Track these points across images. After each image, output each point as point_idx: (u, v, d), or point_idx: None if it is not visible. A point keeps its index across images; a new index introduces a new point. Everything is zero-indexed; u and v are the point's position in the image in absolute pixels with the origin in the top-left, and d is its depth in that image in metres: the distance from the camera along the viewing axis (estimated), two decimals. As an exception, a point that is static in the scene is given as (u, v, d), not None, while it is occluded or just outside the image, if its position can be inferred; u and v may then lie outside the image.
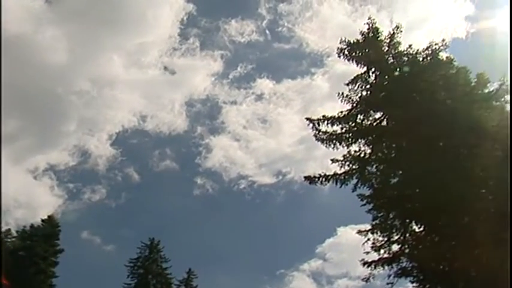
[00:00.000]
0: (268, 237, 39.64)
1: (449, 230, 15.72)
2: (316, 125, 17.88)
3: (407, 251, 16.00)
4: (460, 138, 16.76)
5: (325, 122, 17.97)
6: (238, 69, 44.71)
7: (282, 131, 45.55)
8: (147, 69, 43.59)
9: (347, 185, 17.14)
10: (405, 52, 18.98)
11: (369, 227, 16.49)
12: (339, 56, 19.31)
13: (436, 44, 18.58)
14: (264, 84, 44.00)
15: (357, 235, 16.44)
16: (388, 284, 16.10)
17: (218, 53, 44.72)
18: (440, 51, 18.59)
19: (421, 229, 16.24)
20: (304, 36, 43.66)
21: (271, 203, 42.17)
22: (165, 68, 42.46)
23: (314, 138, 17.83)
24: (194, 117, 43.35)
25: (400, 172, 17.17)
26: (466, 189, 15.73)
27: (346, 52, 19.22)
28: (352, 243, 32.33)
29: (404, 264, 15.93)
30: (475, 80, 17.87)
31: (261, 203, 42.40)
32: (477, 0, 35.33)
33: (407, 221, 16.41)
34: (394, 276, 16.08)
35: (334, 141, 17.70)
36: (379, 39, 19.32)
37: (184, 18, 40.34)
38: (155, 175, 40.65)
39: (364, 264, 16.15)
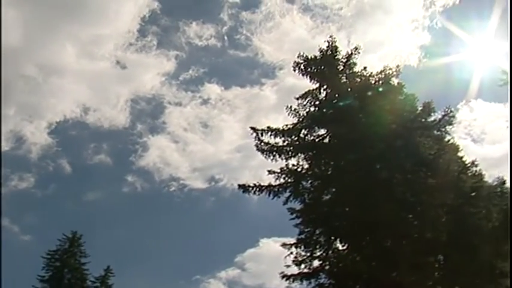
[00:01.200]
0: (190, 242, 39.49)
1: (371, 251, 15.75)
2: (260, 135, 18.06)
3: (327, 267, 16.01)
4: (397, 163, 16.85)
5: (269, 133, 18.15)
6: (190, 71, 45.03)
7: (222, 138, 45.72)
8: (99, 61, 43.81)
9: (279, 197, 17.24)
10: (359, 73, 19.19)
11: (292, 240, 16.55)
12: (294, 70, 19.53)
13: (389, 69, 18.77)
14: (212, 89, 44.16)
15: (278, 248, 16.53)
16: (303, 299, 16.14)
17: (173, 53, 45.09)
18: (392, 77, 18.77)
19: (345, 247, 16.26)
20: (261, 47, 43.93)
21: (199, 208, 42.22)
22: (117, 62, 42.61)
23: (255, 148, 17.97)
24: (136, 115, 43.46)
25: (334, 190, 17.24)
26: (394, 213, 15.79)
27: (302, 67, 19.43)
28: (272, 255, 32.14)
29: (322, 281, 15.93)
30: (421, 108, 17.98)
31: (189, 207, 42.39)
32: (434, 32, 35.67)
33: (333, 238, 16.45)
34: (310, 292, 16.13)
35: (274, 152, 17.86)
36: (336, 58, 19.53)
37: (147, 15, 40.71)
38: (87, 168, 40.68)
39: (283, 277, 16.18)
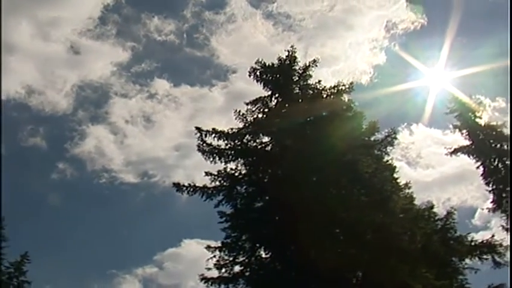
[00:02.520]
0: (112, 236, 38.67)
1: (293, 261, 15.63)
2: (203, 136, 18.02)
3: (247, 273, 15.86)
4: (334, 178, 16.80)
5: (213, 134, 18.12)
6: (143, 65, 44.65)
7: (162, 134, 45.16)
8: (53, 43, 43.18)
9: (212, 199, 17.15)
10: (313, 86, 19.23)
11: (216, 244, 16.40)
12: (250, 75, 19.56)
13: (343, 85, 18.81)
14: (161, 85, 43.55)
15: (200, 249, 16.42)
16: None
17: (130, 44, 44.59)
18: (344, 93, 18.81)
19: (268, 255, 16.15)
20: (218, 48, 43.77)
21: (126, 203, 41.48)
22: (71, 47, 41.98)
23: (196, 148, 17.90)
24: (80, 102, 42.40)
25: (267, 198, 17.16)
26: (322, 227, 15.73)
27: (258, 73, 19.48)
28: (192, 256, 32.12)
29: (240, 287, 15.79)
30: (366, 126, 17.98)
31: (117, 200, 41.64)
32: (391, 54, 36.00)
33: (258, 245, 16.31)
34: (227, 297, 15.97)
35: (215, 155, 17.80)
36: (293, 68, 19.60)
37: (111, 3, 40.59)
38: (20, 150, 40.04)
39: (202, 279, 15.99)
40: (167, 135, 45.57)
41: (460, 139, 21.08)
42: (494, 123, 20.86)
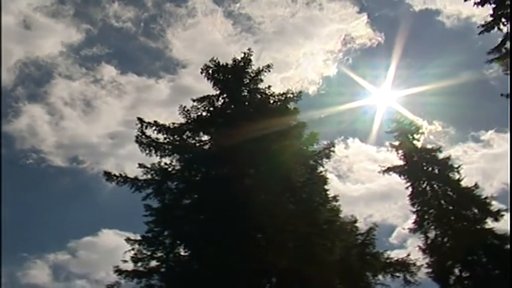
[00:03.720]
0: (29, 218, 37.28)
1: (212, 262, 15.41)
2: (144, 127, 17.86)
3: (162, 269, 15.62)
4: (267, 184, 16.65)
5: (154, 127, 17.97)
6: (94, 48, 43.59)
7: (100, 120, 44.17)
8: (5, 15, 42.71)
9: (140, 192, 16.93)
10: (262, 91, 19.15)
11: (136, 237, 16.18)
12: (202, 73, 19.40)
13: (291, 93, 18.76)
14: (108, 71, 42.52)
15: (117, 241, 16.18)
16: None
17: (85, 26, 43.22)
18: (292, 101, 18.74)
19: (187, 253, 15.94)
20: (172, 41, 43.42)
21: (50, 186, 40.26)
22: (24, 21, 41.10)
23: (134, 139, 17.71)
24: (22, 78, 41.52)
25: (196, 196, 16.98)
26: (244, 231, 15.57)
27: (211, 71, 19.38)
28: (108, 247, 31.56)
29: (154, 282, 15.51)
30: (307, 136, 17.90)
31: (40, 182, 40.17)
32: (343, 67, 36.55)
33: (178, 242, 16.10)
34: (139, 291, 15.70)
35: (152, 148, 17.59)
36: (246, 70, 19.52)
37: None
38: None
39: (116, 271, 15.68)
40: (104, 122, 44.54)
41: (391, 157, 21.31)
42: (430, 146, 21.02)
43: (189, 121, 18.32)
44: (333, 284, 14.79)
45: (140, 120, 18.02)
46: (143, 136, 17.80)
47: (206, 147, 17.97)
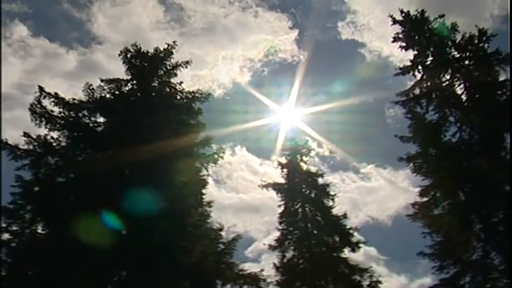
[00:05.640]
0: None
1: (64, 249, 14.92)
2: (42, 97, 17.35)
3: (13, 244, 15.13)
4: (146, 178, 16.23)
5: (53, 99, 17.48)
6: (13, 5, 40.10)
7: None
8: None
9: (17, 161, 16.36)
10: (172, 85, 18.83)
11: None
12: (120, 55, 19.02)
13: (200, 93, 18.47)
14: (20, 30, 39.11)
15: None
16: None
17: None
18: (198, 101, 18.44)
19: (43, 233, 15.47)
20: (97, 15, 41.94)
21: None
22: None
23: (28, 106, 17.11)
24: None
25: (72, 176, 16.54)
26: (99, 221, 15.13)
27: (129, 55, 18.99)
28: None
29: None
30: (201, 139, 17.61)
31: None
32: (256, 77, 37.00)
33: (39, 219, 15.62)
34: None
35: (44, 119, 17.03)
36: (164, 62, 19.17)
37: None
38: None
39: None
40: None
41: (272, 172, 21.42)
42: (314, 170, 21.09)
43: (90, 100, 17.86)
44: (182, 285, 14.45)
45: (41, 88, 17.50)
46: (38, 105, 17.28)
47: (99, 129, 17.48)
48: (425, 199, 17.00)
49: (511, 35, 17.91)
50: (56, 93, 17.65)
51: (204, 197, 16.95)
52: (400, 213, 31.73)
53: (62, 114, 17.40)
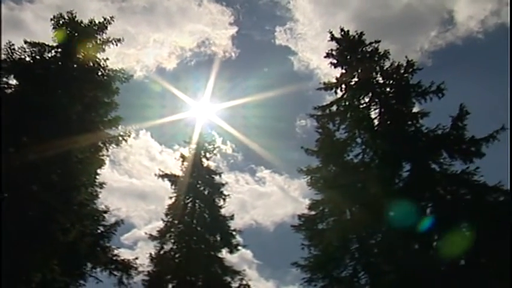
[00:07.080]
0: None
1: None
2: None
3: None
4: (41, 146, 16.04)
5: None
6: None
7: None
8: None
9: None
10: (97, 60, 18.85)
11: None
12: (51, 20, 18.85)
13: (122, 73, 18.60)
14: None
15: None
16: None
17: None
18: (118, 80, 18.47)
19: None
20: None
21: None
22: None
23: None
24: None
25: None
26: None
27: (61, 22, 18.87)
28: None
29: None
30: (111, 118, 17.61)
31: None
32: (181, 64, 37.36)
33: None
34: None
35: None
36: (95, 36, 19.13)
37: None
38: None
39: None
40: None
41: (170, 161, 21.57)
42: (213, 167, 21.34)
43: (8, 60, 17.58)
44: (50, 263, 14.33)
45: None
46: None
47: (9, 91, 17.24)
48: (313, 212, 17.32)
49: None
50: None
51: (97, 177, 16.89)
52: (285, 221, 32.84)
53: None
